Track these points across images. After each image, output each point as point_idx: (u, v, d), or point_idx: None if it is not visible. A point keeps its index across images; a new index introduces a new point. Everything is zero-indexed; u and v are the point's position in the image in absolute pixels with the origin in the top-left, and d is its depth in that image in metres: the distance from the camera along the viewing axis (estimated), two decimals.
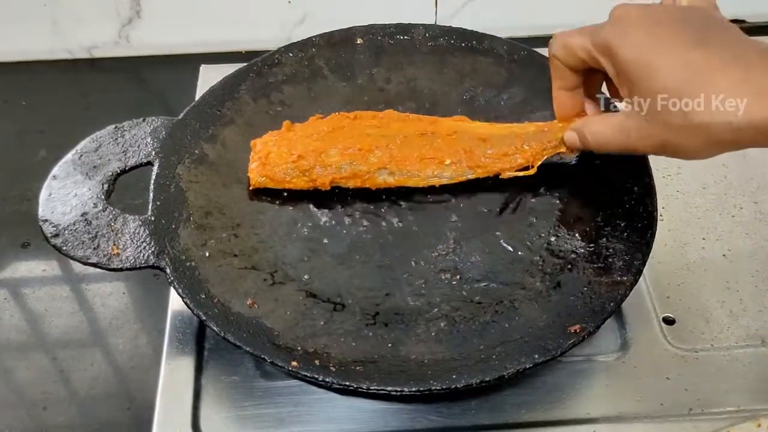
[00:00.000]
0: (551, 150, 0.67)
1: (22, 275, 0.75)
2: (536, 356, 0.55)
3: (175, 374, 0.63)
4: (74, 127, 0.84)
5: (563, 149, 0.67)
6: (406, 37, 0.79)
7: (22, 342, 0.70)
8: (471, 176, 0.68)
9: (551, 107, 0.71)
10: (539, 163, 0.68)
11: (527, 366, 0.55)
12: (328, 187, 0.68)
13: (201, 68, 0.88)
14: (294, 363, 0.56)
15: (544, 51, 0.76)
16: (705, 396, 0.61)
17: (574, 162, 0.69)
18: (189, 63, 0.91)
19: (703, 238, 0.72)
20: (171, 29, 0.96)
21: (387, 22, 0.80)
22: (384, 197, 0.68)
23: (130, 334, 0.70)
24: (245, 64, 0.77)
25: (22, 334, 0.70)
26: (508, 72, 0.76)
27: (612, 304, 0.58)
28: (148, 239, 0.62)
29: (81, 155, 0.68)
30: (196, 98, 0.75)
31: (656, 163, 0.71)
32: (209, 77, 0.84)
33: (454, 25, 0.80)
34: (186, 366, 0.63)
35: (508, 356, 0.56)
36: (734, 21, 0.97)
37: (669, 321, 0.66)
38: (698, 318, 0.66)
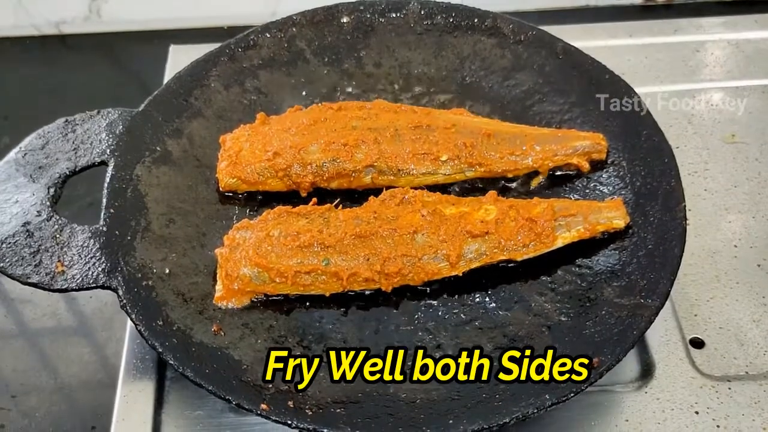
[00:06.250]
0: (563, 158, 0.62)
1: None
2: (547, 397, 0.48)
3: (131, 407, 0.56)
4: (42, 111, 0.79)
5: (576, 160, 0.63)
6: (398, 15, 0.72)
7: None
8: (470, 175, 0.63)
9: (563, 96, 0.65)
10: (549, 168, 0.63)
11: (534, 411, 0.47)
12: (310, 190, 0.62)
13: (170, 49, 0.81)
14: (263, 405, 0.49)
15: (554, 30, 0.70)
16: None
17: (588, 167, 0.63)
18: (166, 39, 0.84)
19: (735, 246, 0.64)
20: (146, 3, 0.90)
21: None
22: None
23: (87, 352, 0.63)
24: (217, 45, 0.69)
25: None
26: (514, 55, 0.69)
27: (635, 332, 0.51)
28: (98, 254, 0.55)
29: (25, 154, 0.60)
30: (163, 84, 0.68)
31: (681, 157, 0.63)
32: (179, 60, 0.76)
33: (452, 1, 0.72)
34: (144, 398, 0.56)
35: (513, 396, 0.49)
36: None
37: (697, 343, 0.59)
38: (730, 339, 0.59)
